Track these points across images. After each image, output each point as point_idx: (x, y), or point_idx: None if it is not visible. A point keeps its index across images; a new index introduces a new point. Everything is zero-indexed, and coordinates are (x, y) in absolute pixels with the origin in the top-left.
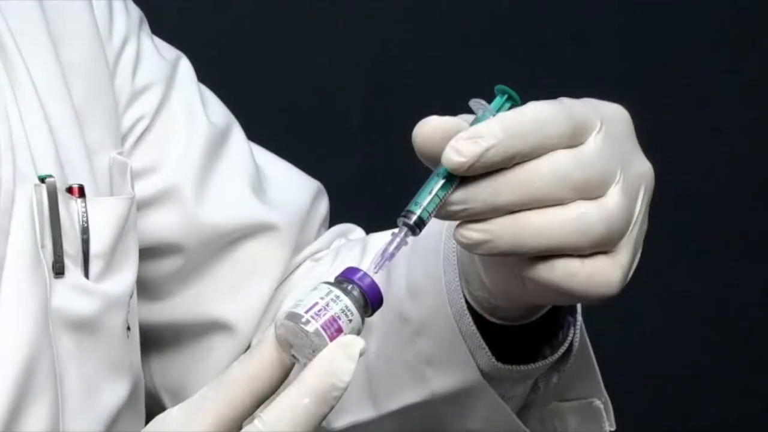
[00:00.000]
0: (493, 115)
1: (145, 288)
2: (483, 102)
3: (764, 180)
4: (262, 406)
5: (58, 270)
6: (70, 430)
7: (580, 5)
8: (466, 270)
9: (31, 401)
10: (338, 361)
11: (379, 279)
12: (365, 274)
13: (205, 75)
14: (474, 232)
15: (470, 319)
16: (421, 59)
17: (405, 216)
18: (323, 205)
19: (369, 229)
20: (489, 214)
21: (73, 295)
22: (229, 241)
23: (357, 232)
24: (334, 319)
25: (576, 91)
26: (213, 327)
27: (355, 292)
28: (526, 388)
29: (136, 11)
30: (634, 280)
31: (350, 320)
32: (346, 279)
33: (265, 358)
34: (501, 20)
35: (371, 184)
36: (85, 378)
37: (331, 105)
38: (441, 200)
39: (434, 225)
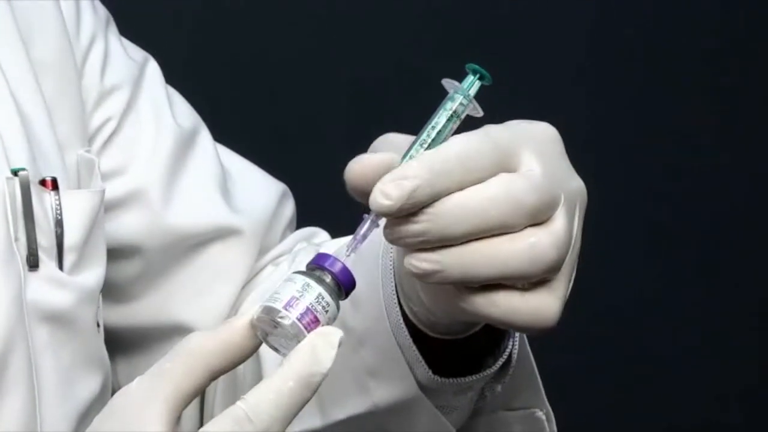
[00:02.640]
0: (465, 95)
1: (111, 291)
2: (455, 82)
3: (740, 180)
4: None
5: (33, 263)
6: (47, 421)
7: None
8: (404, 286)
9: (5, 393)
10: (320, 348)
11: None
12: (336, 259)
13: (183, 77)
14: (425, 263)
15: (407, 332)
16: (402, 65)
17: None
18: (289, 208)
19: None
20: (444, 243)
21: (48, 287)
22: (194, 244)
23: (321, 235)
24: (308, 309)
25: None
26: (177, 331)
27: (328, 279)
28: (470, 398)
29: (103, 11)
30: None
31: (325, 308)
32: (317, 266)
33: (230, 338)
34: (483, 31)
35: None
36: (60, 370)
37: (312, 110)
38: None
39: (377, 235)
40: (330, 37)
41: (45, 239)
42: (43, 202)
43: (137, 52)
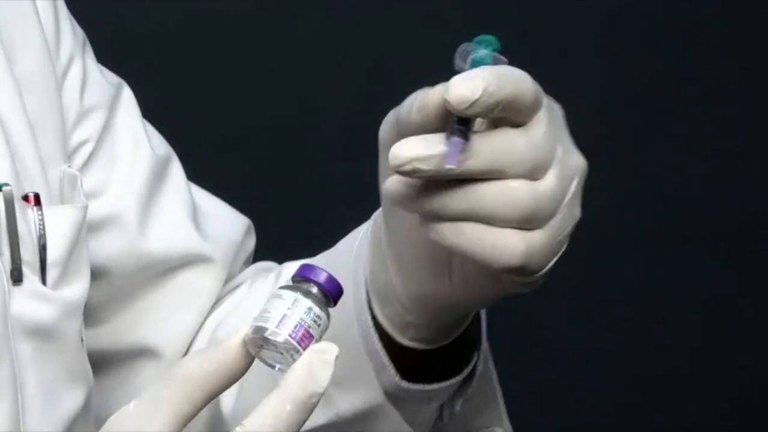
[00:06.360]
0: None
1: None
2: (469, 45)
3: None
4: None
5: (16, 277)
6: None
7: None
8: (379, 284)
9: None
10: (316, 368)
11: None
12: (320, 269)
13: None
14: (401, 185)
15: (376, 337)
16: (400, 67)
17: None
18: (251, 242)
19: None
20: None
21: (32, 301)
22: (166, 269)
23: (276, 270)
24: (300, 325)
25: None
26: (142, 353)
27: (314, 290)
28: (430, 413)
29: (80, 32)
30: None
31: (316, 321)
32: (303, 279)
33: (224, 359)
34: (484, 28)
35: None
36: (44, 384)
37: (312, 120)
38: None
39: (347, 244)
40: (325, 38)
41: (28, 254)
42: (27, 217)
43: (112, 76)
